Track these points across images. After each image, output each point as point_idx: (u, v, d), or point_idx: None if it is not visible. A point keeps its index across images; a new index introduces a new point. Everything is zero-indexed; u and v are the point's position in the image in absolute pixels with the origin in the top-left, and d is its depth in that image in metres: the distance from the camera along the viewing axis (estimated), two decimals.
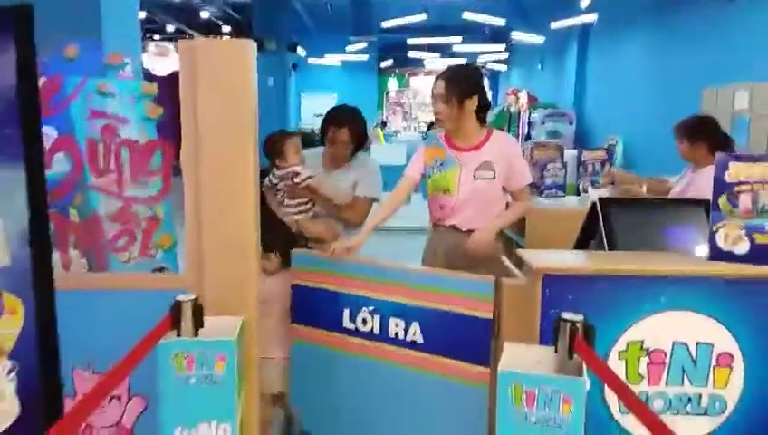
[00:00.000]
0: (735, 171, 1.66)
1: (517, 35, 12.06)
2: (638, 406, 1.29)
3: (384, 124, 15.48)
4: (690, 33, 6.61)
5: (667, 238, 1.91)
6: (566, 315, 1.45)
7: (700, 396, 1.74)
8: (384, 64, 16.77)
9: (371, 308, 2.13)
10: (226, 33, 11.95)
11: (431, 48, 14.97)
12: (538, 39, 11.56)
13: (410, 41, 14.07)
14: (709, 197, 1.77)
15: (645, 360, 1.72)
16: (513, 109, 11.95)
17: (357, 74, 15.93)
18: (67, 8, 1.81)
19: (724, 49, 5.83)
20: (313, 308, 2.26)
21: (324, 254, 2.23)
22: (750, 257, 1.70)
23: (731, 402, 1.75)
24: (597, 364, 1.42)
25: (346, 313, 2.18)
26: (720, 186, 1.69)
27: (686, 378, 1.73)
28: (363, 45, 13.75)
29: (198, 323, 1.59)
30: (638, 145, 7.58)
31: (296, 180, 2.62)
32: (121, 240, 1.96)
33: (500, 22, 11.09)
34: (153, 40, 10.23)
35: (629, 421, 1.77)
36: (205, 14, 11.12)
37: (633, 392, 1.34)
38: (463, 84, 2.45)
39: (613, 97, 9.02)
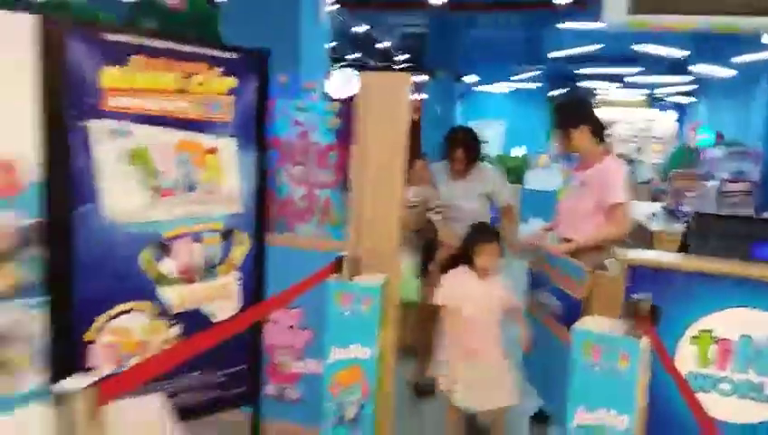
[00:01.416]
0: None
1: (699, 68, 11.53)
2: (675, 374, 1.63)
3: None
4: None
5: (753, 250, 2.13)
6: (636, 296, 1.82)
7: (763, 384, 1.96)
8: (553, 93, 16.76)
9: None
10: (401, 62, 12.92)
11: (603, 78, 14.74)
12: (724, 72, 10.96)
13: (581, 70, 14.01)
14: None
15: (714, 347, 1.99)
16: (692, 145, 11.40)
17: (525, 102, 16.07)
18: (277, 45, 2.58)
19: None
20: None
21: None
22: None
23: None
24: (653, 337, 1.76)
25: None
26: None
27: (750, 367, 1.97)
28: (530, 74, 13.98)
29: (353, 273, 2.20)
30: None
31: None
32: (305, 214, 2.68)
33: (678, 53, 10.73)
34: (333, 66, 11.61)
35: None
36: (382, 45, 12.24)
37: (673, 361, 1.68)
38: (567, 117, 2.77)
39: None
